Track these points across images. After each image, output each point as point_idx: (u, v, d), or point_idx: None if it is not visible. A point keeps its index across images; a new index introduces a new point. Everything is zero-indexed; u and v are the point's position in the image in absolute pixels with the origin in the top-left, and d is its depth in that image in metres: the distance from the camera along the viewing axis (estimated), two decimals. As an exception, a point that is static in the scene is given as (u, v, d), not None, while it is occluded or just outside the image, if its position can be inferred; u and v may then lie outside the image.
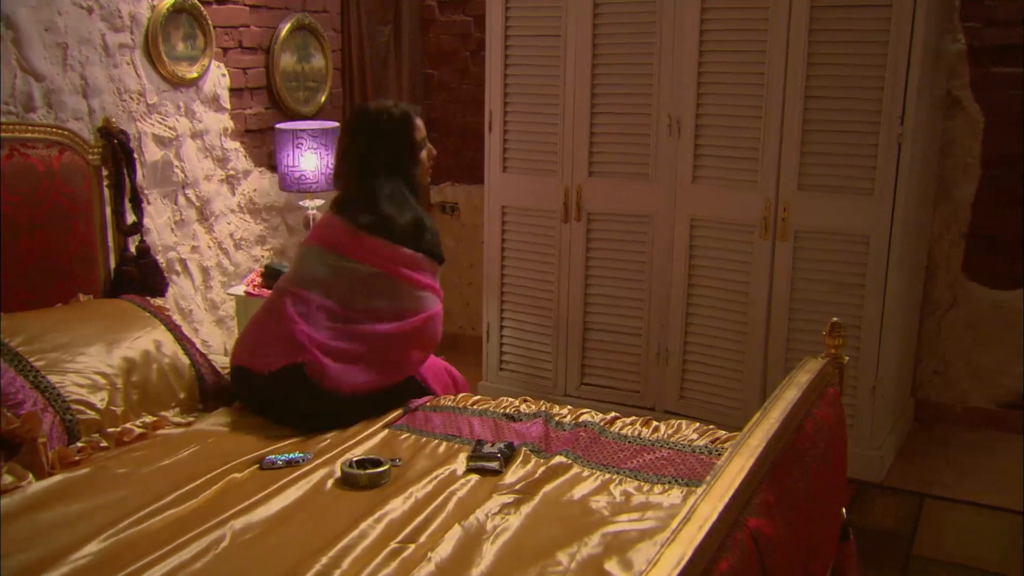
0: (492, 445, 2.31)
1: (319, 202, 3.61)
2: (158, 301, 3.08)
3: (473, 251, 4.59)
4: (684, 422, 2.48)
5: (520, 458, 2.28)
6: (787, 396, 1.92)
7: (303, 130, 3.49)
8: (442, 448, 2.38)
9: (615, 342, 3.74)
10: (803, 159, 3.25)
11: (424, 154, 2.87)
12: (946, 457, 3.59)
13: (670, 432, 2.41)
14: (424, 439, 2.43)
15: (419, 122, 2.85)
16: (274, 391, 2.55)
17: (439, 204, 4.79)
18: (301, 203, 3.65)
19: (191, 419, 2.59)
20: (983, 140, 3.65)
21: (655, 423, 2.48)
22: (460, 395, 2.79)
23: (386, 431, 2.49)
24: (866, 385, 3.27)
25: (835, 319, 2.29)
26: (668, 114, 3.44)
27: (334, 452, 2.32)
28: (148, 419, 2.51)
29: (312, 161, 3.50)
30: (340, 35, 4.17)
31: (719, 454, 2.23)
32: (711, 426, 2.45)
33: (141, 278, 3.11)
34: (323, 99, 4.08)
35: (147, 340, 2.66)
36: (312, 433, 2.47)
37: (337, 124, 3.64)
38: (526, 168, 3.77)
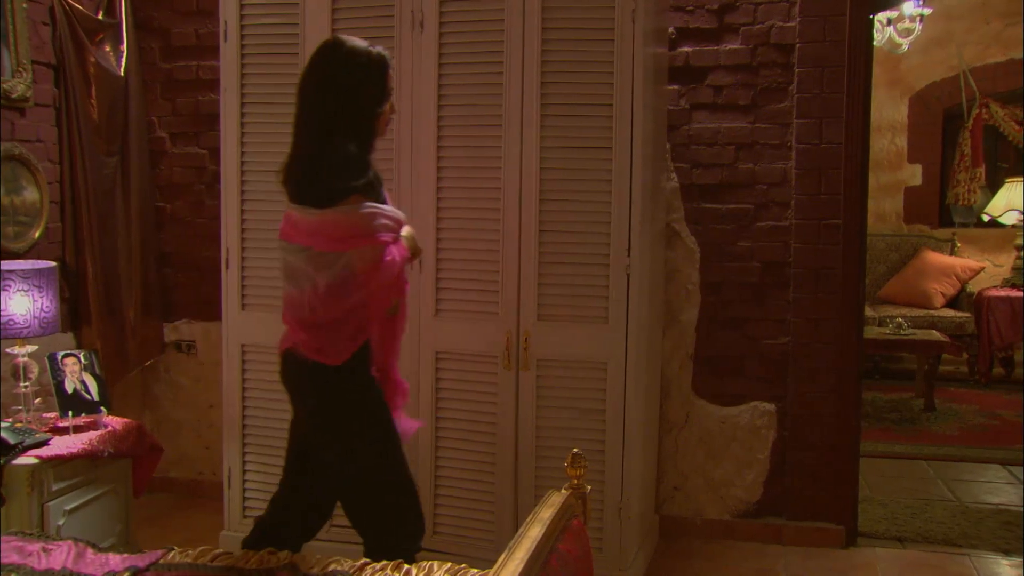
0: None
1: (32, 348, 3.28)
2: None
3: (212, 391, 4.33)
4: (436, 563, 2.39)
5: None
6: (531, 534, 1.90)
7: (11, 271, 3.18)
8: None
9: (365, 481, 3.61)
10: (541, 291, 3.36)
11: (388, 107, 2.66)
12: (691, 570, 3.72)
13: (422, 576, 2.32)
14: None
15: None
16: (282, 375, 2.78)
17: (174, 343, 4.51)
18: (9, 350, 3.29)
19: None
20: (700, 268, 3.96)
21: (406, 566, 2.38)
22: (198, 550, 2.55)
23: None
24: (612, 508, 3.34)
25: (576, 450, 2.33)
26: (409, 248, 3.46)
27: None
28: None
29: (23, 304, 3.18)
30: (58, 166, 3.90)
31: (470, 598, 2.17)
32: (463, 565, 2.38)
33: None
34: (37, 234, 3.76)
35: None
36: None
37: (54, 264, 3.35)
38: (266, 306, 3.62)
